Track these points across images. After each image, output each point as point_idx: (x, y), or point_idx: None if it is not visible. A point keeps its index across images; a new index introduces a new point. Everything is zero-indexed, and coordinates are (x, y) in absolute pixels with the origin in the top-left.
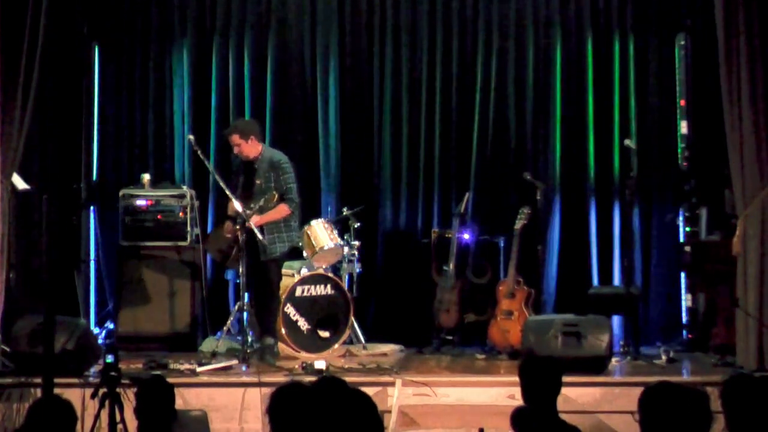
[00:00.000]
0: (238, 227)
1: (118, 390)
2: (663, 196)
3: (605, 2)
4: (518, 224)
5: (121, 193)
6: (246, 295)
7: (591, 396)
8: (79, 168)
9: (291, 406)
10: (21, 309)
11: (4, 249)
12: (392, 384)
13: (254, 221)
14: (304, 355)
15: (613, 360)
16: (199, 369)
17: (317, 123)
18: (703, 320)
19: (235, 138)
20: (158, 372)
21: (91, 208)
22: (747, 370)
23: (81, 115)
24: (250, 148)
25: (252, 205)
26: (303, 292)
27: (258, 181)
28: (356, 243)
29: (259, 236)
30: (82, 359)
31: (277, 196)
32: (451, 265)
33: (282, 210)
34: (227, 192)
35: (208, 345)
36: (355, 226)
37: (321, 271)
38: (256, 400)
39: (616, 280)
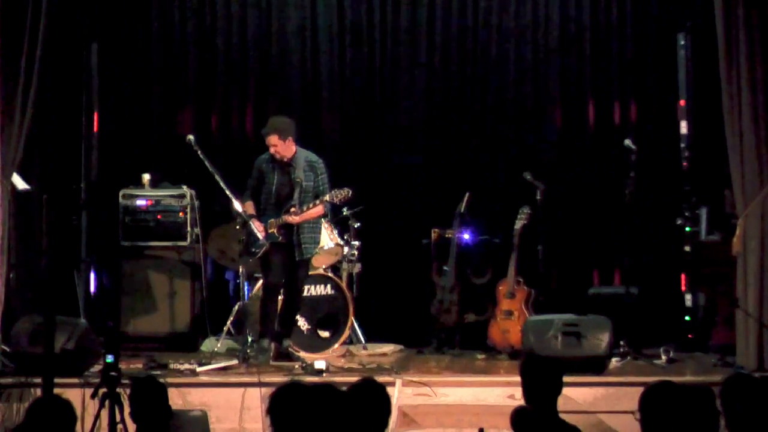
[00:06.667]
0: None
1: (118, 390)
2: (663, 195)
3: (605, 2)
4: (518, 224)
5: (121, 193)
6: (246, 295)
7: (591, 396)
8: (79, 168)
9: (291, 406)
10: (21, 309)
11: (4, 249)
12: (392, 384)
13: (295, 219)
14: (304, 355)
15: (613, 360)
16: (199, 369)
17: (317, 123)
18: (703, 320)
19: (273, 138)
20: (153, 372)
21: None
22: (747, 370)
23: (81, 115)
24: (287, 148)
25: (293, 203)
26: (303, 291)
27: (298, 179)
28: (356, 243)
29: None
30: (82, 359)
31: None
32: (451, 265)
33: (319, 210)
34: (227, 192)
35: (208, 345)
36: (355, 226)
37: (321, 271)
38: (256, 400)
39: (616, 280)
